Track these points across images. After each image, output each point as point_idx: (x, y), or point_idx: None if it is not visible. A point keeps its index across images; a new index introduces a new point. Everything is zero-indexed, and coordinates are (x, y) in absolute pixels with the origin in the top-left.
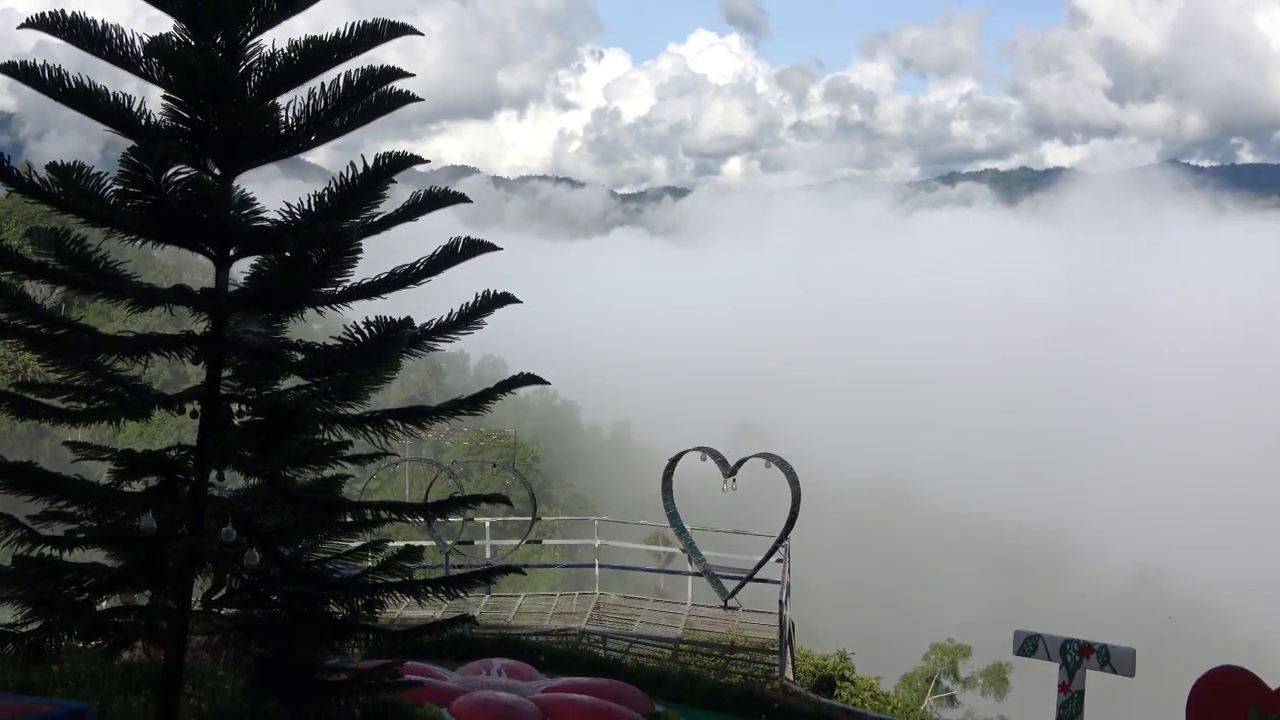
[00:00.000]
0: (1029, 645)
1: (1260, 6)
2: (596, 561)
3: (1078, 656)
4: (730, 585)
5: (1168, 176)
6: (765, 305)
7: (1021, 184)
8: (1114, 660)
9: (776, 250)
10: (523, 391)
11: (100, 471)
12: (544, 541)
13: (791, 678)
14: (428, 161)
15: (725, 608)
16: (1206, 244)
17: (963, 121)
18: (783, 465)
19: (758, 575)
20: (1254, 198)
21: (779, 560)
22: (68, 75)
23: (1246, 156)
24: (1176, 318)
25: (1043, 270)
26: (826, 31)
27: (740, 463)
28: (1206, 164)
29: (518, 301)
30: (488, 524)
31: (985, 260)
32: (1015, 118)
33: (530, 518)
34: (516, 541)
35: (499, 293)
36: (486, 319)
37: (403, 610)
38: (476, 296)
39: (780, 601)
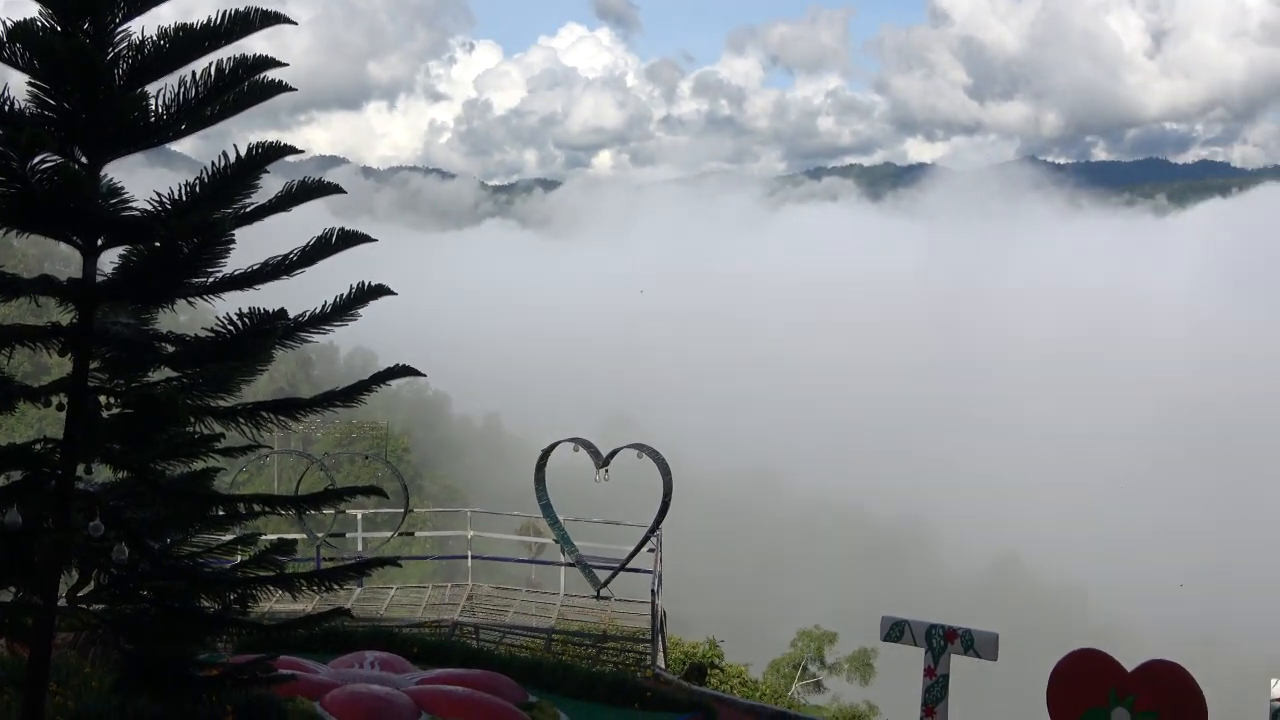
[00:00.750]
0: (895, 631)
1: (1113, 9)
2: (469, 553)
3: (942, 641)
4: (603, 575)
5: (1026, 173)
6: (636, 297)
7: (886, 179)
8: (978, 645)
9: (647, 243)
10: (394, 383)
11: None
12: (416, 533)
13: (663, 666)
14: (301, 152)
15: (598, 597)
16: (1063, 238)
17: (829, 117)
18: (654, 455)
19: (630, 565)
20: (1107, 194)
21: (651, 550)
22: None
23: (1100, 154)
24: (1035, 310)
25: (907, 264)
26: (695, 26)
27: (613, 453)
28: (1063, 161)
29: (392, 293)
30: (359, 516)
31: (851, 254)
32: (879, 114)
33: (402, 510)
34: (388, 534)
35: (373, 284)
36: (360, 311)
37: (273, 604)
38: (351, 288)
39: (652, 591)
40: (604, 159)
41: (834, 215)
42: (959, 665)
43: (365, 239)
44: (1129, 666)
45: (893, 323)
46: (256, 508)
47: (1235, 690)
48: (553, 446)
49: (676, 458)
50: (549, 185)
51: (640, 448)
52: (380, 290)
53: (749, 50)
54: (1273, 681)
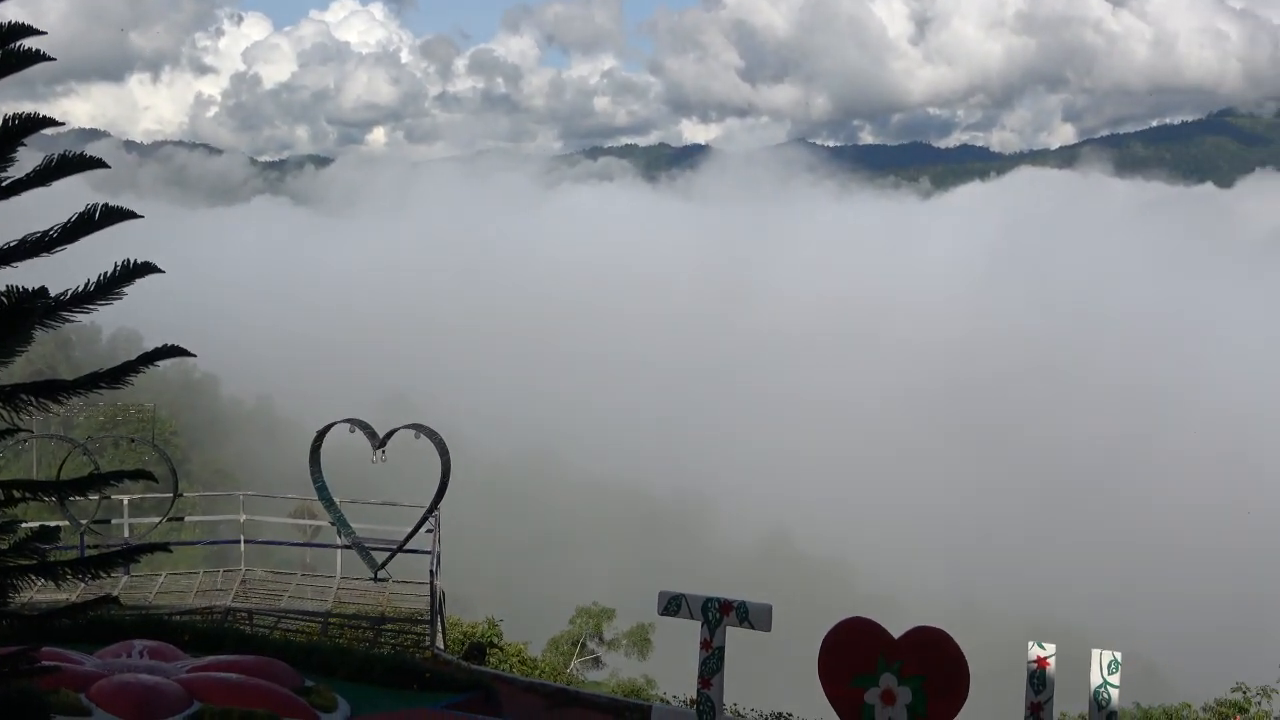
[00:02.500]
0: (672, 605)
1: None
2: (242, 537)
3: (718, 614)
4: (380, 557)
5: (797, 155)
6: (412, 276)
7: (661, 160)
8: (752, 616)
9: (422, 221)
10: (161, 364)
11: None
12: (186, 518)
13: (442, 647)
14: (61, 124)
15: (375, 579)
16: (833, 219)
17: (604, 97)
18: (432, 436)
19: (408, 546)
20: (874, 176)
21: (429, 530)
22: None
23: (868, 138)
24: (806, 289)
25: (682, 243)
26: (470, 4)
27: (390, 434)
28: (832, 144)
29: (159, 271)
30: (126, 502)
31: (627, 233)
32: (655, 95)
33: (171, 494)
34: (156, 519)
35: (139, 262)
36: (125, 290)
37: (35, 594)
38: (115, 266)
39: (431, 572)
40: (378, 136)
41: (610, 195)
42: (734, 637)
43: (130, 215)
44: (896, 634)
45: (669, 302)
46: (15, 494)
47: (996, 653)
48: (328, 428)
49: (455, 438)
50: (321, 162)
51: (418, 428)
52: (146, 268)
53: (524, 29)
54: (1029, 644)
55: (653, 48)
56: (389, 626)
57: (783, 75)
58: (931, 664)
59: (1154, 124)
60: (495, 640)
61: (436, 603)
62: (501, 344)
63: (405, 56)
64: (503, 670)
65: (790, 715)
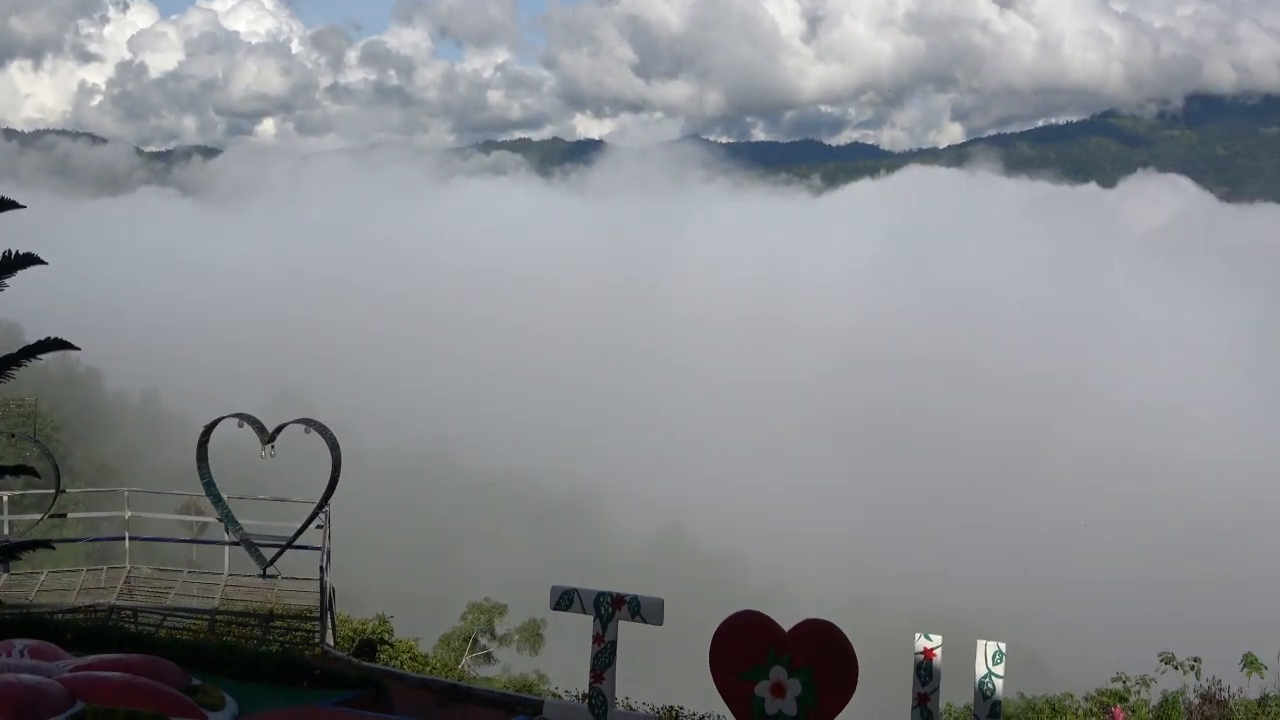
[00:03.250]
0: (565, 600)
1: None
2: (126, 534)
3: (610, 609)
4: (269, 553)
5: (691, 151)
6: (302, 270)
7: (555, 154)
8: (644, 610)
9: (313, 213)
10: (43, 357)
11: None
12: (68, 515)
13: (332, 644)
14: None
15: (264, 576)
16: (727, 215)
17: (498, 91)
18: (322, 430)
19: (298, 542)
20: (766, 173)
21: (319, 526)
22: None
23: (760, 134)
24: (700, 285)
25: (576, 239)
26: None
27: (279, 429)
28: (725, 140)
29: (41, 262)
30: (5, 498)
31: (521, 228)
32: (549, 89)
33: (53, 490)
34: (38, 516)
35: (20, 253)
36: (7, 281)
37: None
38: None
39: (321, 568)
40: (268, 127)
41: (504, 190)
42: (627, 631)
43: (12, 205)
44: (787, 626)
45: (563, 299)
46: None
47: (885, 644)
48: (215, 422)
49: (346, 433)
50: (209, 153)
51: (308, 423)
52: (28, 260)
53: (417, 21)
54: (917, 636)
55: (546, 41)
56: (277, 624)
57: (676, 71)
58: (821, 656)
59: (1040, 124)
60: (386, 637)
61: (326, 599)
62: (392, 340)
63: (296, 47)
64: (393, 667)
65: (682, 708)
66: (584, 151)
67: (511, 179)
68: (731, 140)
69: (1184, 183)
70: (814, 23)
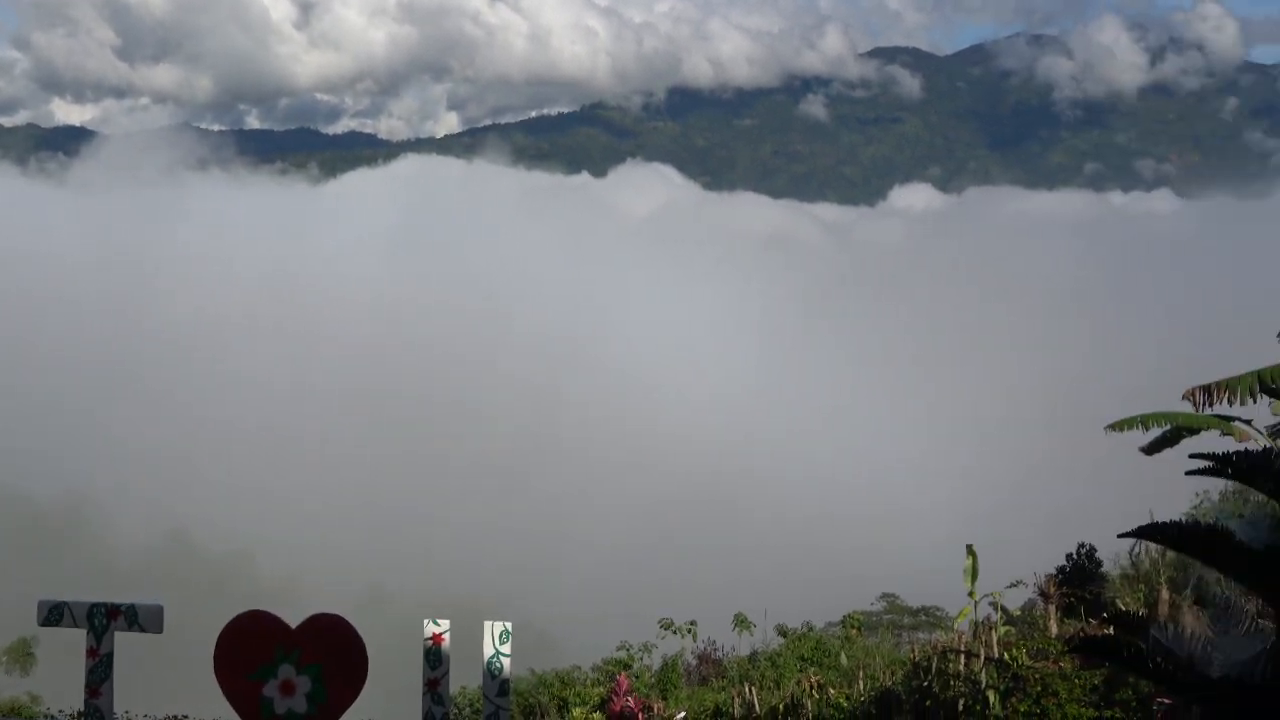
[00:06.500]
0: (54, 614)
1: None
2: None
3: (105, 620)
4: None
5: (183, 139)
6: None
7: (31, 142)
8: (142, 619)
9: None
10: None
11: None
12: None
13: None
14: None
15: None
16: (225, 206)
17: None
18: None
19: None
20: (261, 162)
21: None
22: None
23: (255, 122)
24: (202, 278)
25: (62, 234)
26: None
27: None
28: (219, 128)
29: None
30: None
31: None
32: (21, 72)
33: None
34: None
35: None
36: None
37: None
38: None
39: None
40: None
41: None
42: (126, 642)
43: None
44: (296, 623)
45: (54, 299)
46: None
47: (398, 633)
48: None
49: None
50: None
51: None
52: None
53: None
54: (425, 622)
55: (16, 22)
56: None
57: (163, 56)
58: (329, 650)
59: (534, 114)
60: None
61: None
62: None
63: None
64: None
65: (187, 717)
66: (66, 139)
67: None
68: (225, 128)
69: (670, 172)
70: (306, 9)
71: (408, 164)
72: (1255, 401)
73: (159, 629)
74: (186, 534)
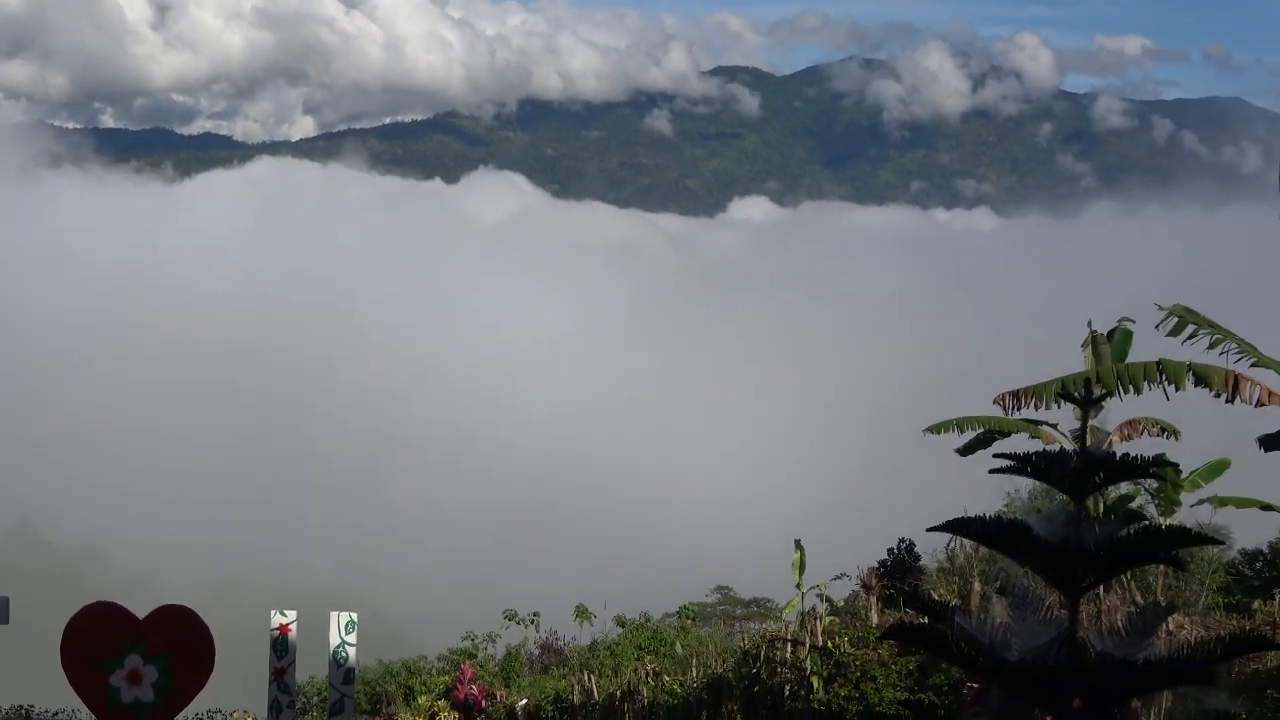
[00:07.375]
0: None
1: None
2: None
3: None
4: None
5: (37, 137)
6: None
7: None
8: None
9: None
10: None
11: None
12: None
13: None
14: None
15: None
16: (79, 204)
17: None
18: None
19: None
20: (116, 161)
21: None
22: None
23: (110, 121)
24: (58, 279)
25: None
26: None
27: None
28: (73, 126)
29: None
30: None
31: None
32: None
33: None
34: None
35: None
36: None
37: None
38: None
39: None
40: None
41: None
42: None
43: None
44: (144, 615)
45: None
46: None
47: (248, 624)
48: None
49: None
50: None
51: None
52: None
53: None
54: (272, 613)
55: None
56: None
57: (15, 52)
58: (177, 641)
59: (389, 121)
60: None
61: None
62: None
63: None
64: None
65: (33, 707)
66: None
67: None
68: (80, 126)
69: (520, 180)
70: (162, 10)
71: (263, 166)
72: (1059, 406)
73: (4, 620)
74: (34, 527)
